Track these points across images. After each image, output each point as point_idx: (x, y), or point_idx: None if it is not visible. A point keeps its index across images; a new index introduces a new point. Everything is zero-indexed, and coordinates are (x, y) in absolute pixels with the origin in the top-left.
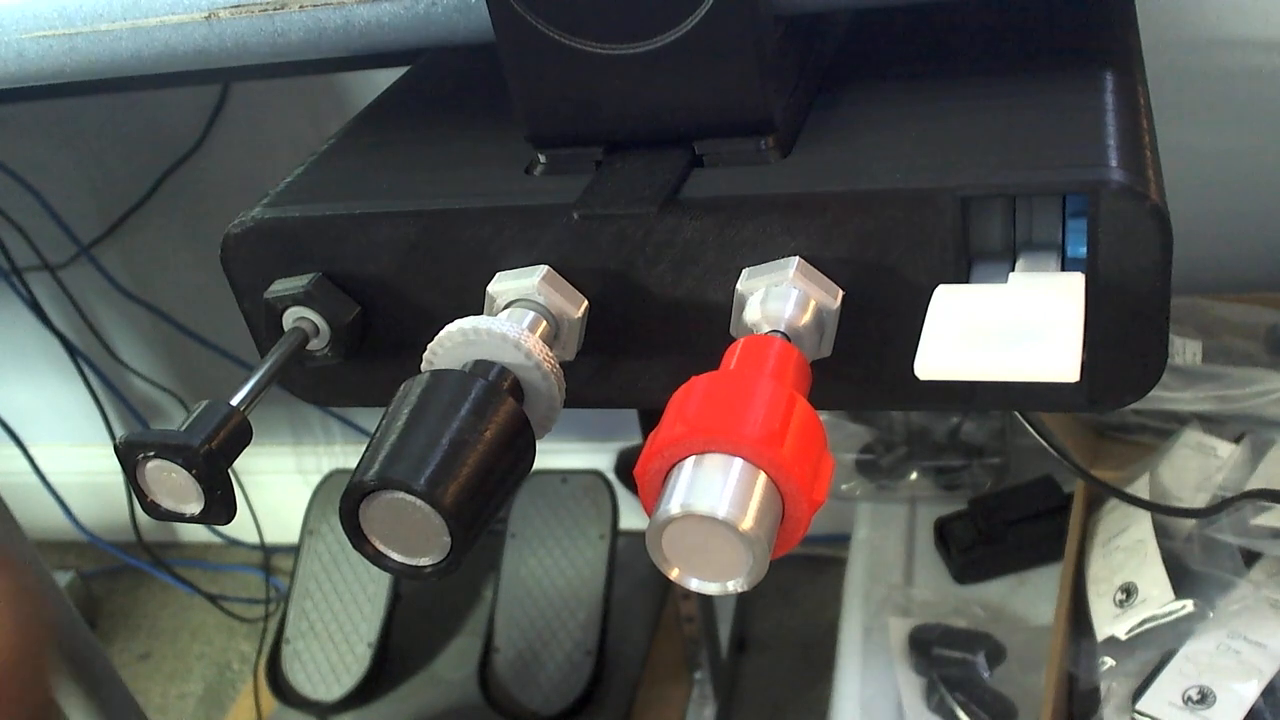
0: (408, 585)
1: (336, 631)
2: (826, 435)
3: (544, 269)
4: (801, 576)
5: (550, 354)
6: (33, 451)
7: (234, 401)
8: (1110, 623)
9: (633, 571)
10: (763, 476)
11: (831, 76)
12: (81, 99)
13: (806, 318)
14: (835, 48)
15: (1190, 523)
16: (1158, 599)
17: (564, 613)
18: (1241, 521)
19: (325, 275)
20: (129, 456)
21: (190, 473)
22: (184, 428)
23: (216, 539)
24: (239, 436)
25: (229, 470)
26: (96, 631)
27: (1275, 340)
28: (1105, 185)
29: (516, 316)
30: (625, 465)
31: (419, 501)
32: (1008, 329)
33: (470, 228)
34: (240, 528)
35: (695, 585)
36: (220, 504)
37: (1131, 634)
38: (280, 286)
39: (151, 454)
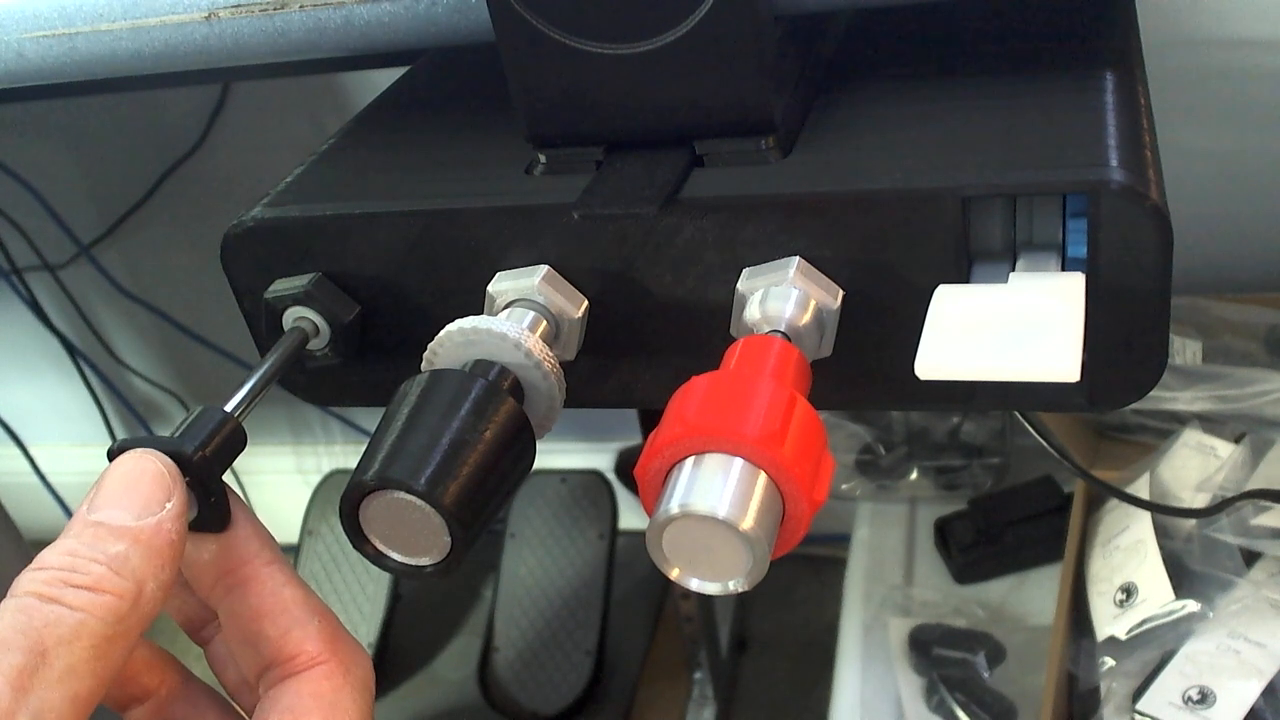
0: (408, 585)
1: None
2: (826, 435)
3: (544, 269)
4: (801, 576)
5: (550, 354)
6: (33, 451)
7: (229, 407)
8: (1110, 623)
9: (633, 571)
10: (763, 476)
11: (831, 76)
12: (81, 99)
13: (807, 318)
14: (835, 48)
15: (1190, 523)
16: (1158, 599)
17: (563, 613)
18: (1241, 521)
19: (325, 275)
20: None
21: (183, 479)
22: (178, 433)
23: None
24: (233, 442)
25: (223, 477)
26: None
27: (1275, 340)
28: (1105, 185)
29: (517, 316)
30: (625, 465)
31: (419, 501)
32: (1008, 329)
33: (470, 228)
34: None
35: (695, 585)
36: (214, 511)
37: (1131, 634)
38: (280, 286)
39: None
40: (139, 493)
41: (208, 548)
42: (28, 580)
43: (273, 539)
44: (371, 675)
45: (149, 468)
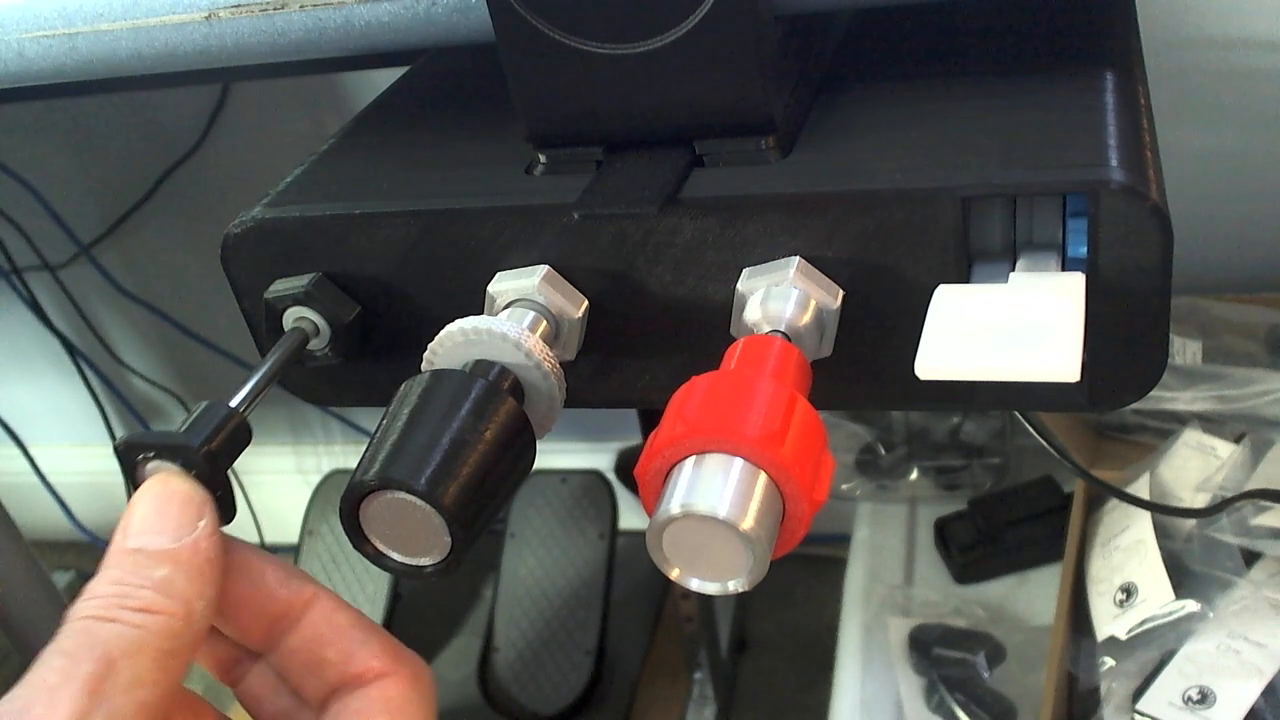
0: (408, 585)
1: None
2: (827, 435)
3: (544, 269)
4: (801, 576)
5: (550, 354)
6: (33, 451)
7: (233, 403)
8: (1110, 623)
9: (633, 571)
10: (763, 476)
11: (831, 76)
12: (81, 99)
13: (807, 318)
14: (835, 48)
15: (1190, 523)
16: (1158, 599)
17: (564, 613)
18: (1241, 521)
19: (325, 275)
20: (128, 458)
21: (190, 474)
22: (183, 429)
23: None
24: (238, 438)
25: (229, 472)
26: None
27: (1275, 340)
28: (1106, 185)
29: (517, 316)
30: (625, 465)
31: (419, 501)
32: (1008, 329)
33: (470, 228)
34: (239, 528)
35: (695, 585)
36: (220, 505)
37: (1131, 634)
38: (280, 286)
39: (151, 455)
40: (171, 515)
41: (254, 601)
42: (82, 608)
43: (307, 574)
44: (434, 686)
45: (177, 490)
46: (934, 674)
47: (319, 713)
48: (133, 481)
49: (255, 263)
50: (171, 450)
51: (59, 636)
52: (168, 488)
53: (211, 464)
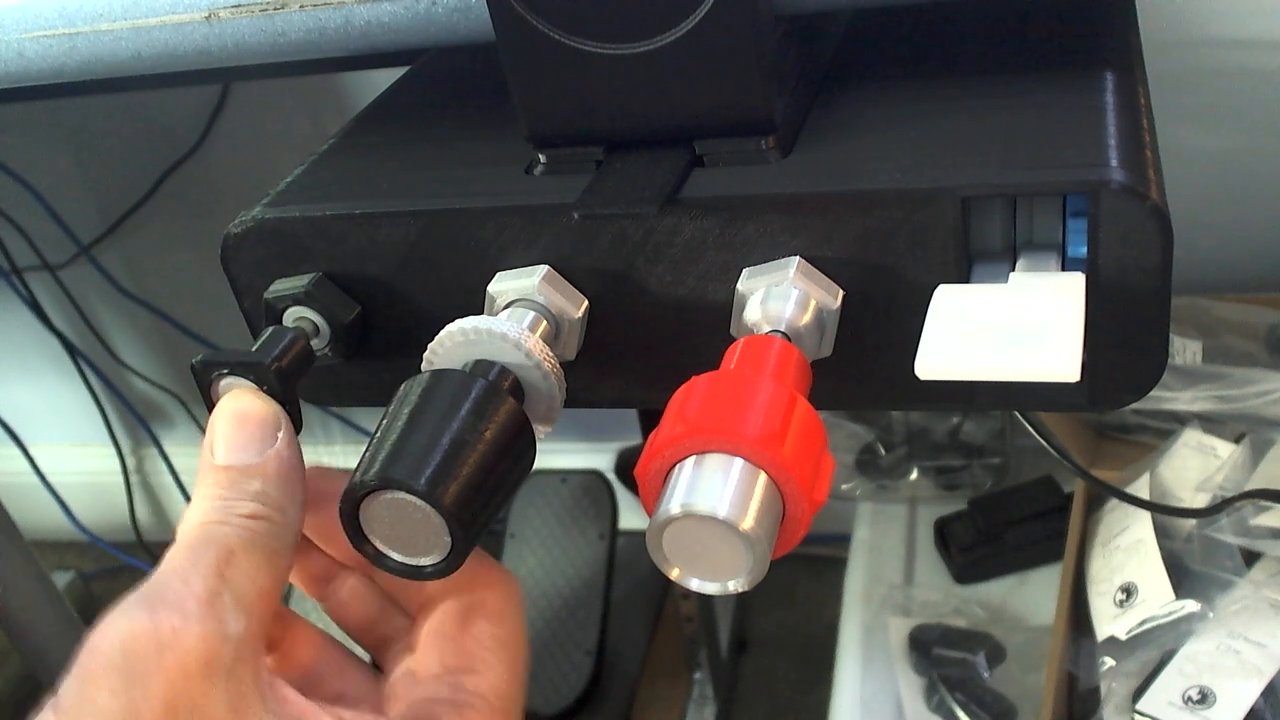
0: None
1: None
2: (827, 435)
3: (544, 269)
4: (801, 576)
5: (550, 354)
6: (33, 451)
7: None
8: (1110, 623)
9: (633, 571)
10: (763, 476)
11: (831, 76)
12: (81, 99)
13: (807, 317)
14: (835, 48)
15: (1190, 523)
16: (1158, 599)
17: (563, 612)
18: (1241, 521)
19: (325, 275)
20: (204, 376)
21: (262, 389)
22: (254, 349)
23: None
24: (303, 359)
25: (296, 388)
26: None
27: (1275, 340)
28: (1106, 185)
29: (517, 316)
30: (625, 465)
31: (419, 501)
32: (1008, 329)
33: (470, 228)
34: None
35: (695, 585)
36: (290, 417)
37: (1131, 634)
38: (280, 286)
39: (225, 371)
40: (250, 432)
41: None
42: (192, 519)
43: None
44: (524, 600)
45: (252, 407)
46: (934, 674)
47: (416, 617)
48: (208, 399)
49: (255, 263)
50: (244, 367)
51: (177, 543)
52: (242, 405)
53: (282, 380)
